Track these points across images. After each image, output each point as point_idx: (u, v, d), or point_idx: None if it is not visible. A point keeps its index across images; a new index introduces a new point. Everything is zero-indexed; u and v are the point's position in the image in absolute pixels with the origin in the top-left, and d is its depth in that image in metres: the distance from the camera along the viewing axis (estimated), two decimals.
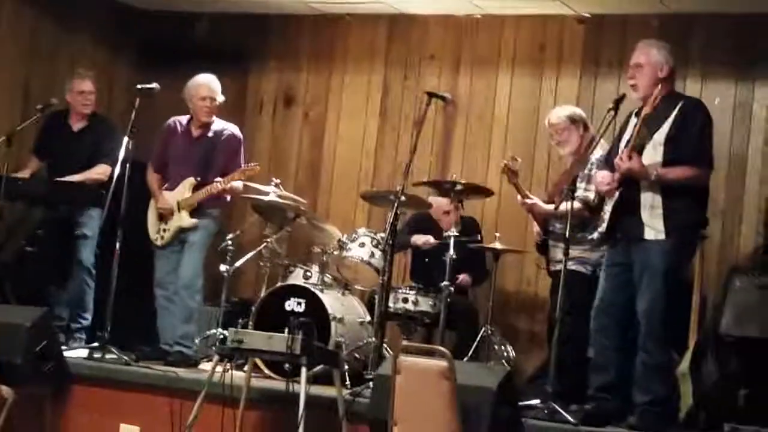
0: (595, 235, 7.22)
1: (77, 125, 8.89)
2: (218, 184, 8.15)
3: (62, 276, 8.75)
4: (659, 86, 6.64)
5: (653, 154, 6.60)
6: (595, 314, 6.85)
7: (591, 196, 7.24)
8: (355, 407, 6.52)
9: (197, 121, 8.37)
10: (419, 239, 8.71)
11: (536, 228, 8.02)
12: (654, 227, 6.58)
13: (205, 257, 8.34)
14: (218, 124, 8.41)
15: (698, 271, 7.43)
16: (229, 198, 8.43)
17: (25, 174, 8.83)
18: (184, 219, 8.23)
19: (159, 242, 8.32)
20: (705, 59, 8.67)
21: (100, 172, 8.64)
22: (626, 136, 6.81)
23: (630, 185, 6.64)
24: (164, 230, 8.29)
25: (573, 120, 7.81)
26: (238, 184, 8.27)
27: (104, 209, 7.97)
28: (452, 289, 7.83)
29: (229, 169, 8.24)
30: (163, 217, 8.30)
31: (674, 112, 6.62)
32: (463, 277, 8.51)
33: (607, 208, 6.78)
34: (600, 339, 6.82)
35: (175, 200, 8.26)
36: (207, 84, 8.33)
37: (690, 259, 7.01)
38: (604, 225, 6.82)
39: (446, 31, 9.64)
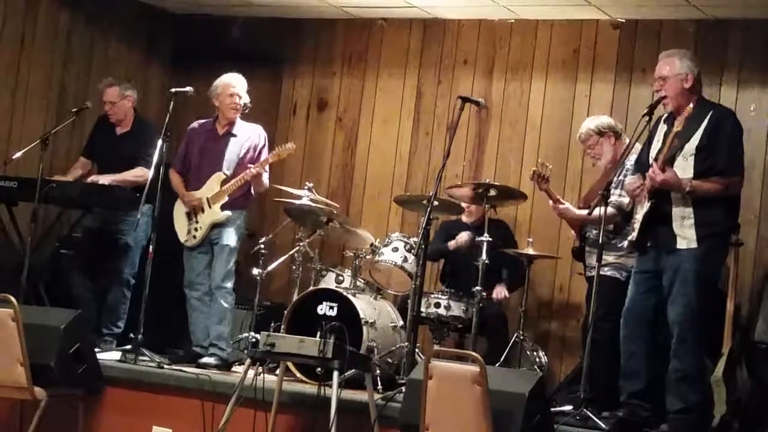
0: (625, 243, 7.17)
1: (119, 129, 8.90)
2: (252, 170, 8.11)
3: (98, 285, 8.75)
4: (690, 105, 6.52)
5: (684, 164, 6.54)
6: (624, 321, 6.80)
7: (625, 201, 7.21)
8: (386, 411, 6.53)
9: (223, 120, 8.35)
10: (453, 243, 8.67)
11: (573, 234, 7.99)
12: (686, 236, 6.53)
13: (237, 259, 8.31)
14: (242, 123, 8.41)
15: (732, 278, 7.38)
16: (253, 192, 8.38)
17: (69, 177, 8.82)
18: (216, 212, 8.16)
19: (191, 242, 8.24)
20: (741, 65, 8.62)
21: (136, 174, 8.57)
22: (656, 143, 6.77)
23: (662, 196, 6.59)
24: (196, 229, 8.22)
25: (601, 132, 7.75)
26: (265, 178, 8.27)
27: (138, 213, 7.96)
28: (484, 294, 7.83)
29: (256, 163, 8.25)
30: (193, 215, 8.26)
31: (704, 122, 6.55)
32: (498, 290, 8.47)
33: (638, 217, 6.73)
34: (629, 345, 6.77)
35: (204, 196, 8.22)
36: (233, 82, 8.34)
37: (721, 265, 6.93)
38: (635, 234, 6.76)
39: (480, 36, 9.62)
